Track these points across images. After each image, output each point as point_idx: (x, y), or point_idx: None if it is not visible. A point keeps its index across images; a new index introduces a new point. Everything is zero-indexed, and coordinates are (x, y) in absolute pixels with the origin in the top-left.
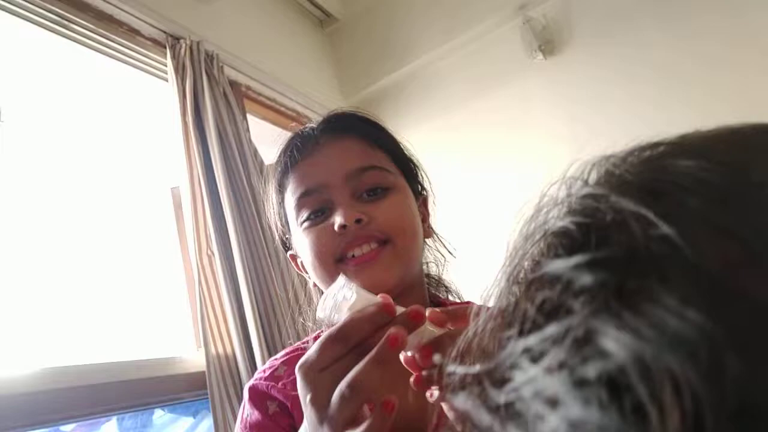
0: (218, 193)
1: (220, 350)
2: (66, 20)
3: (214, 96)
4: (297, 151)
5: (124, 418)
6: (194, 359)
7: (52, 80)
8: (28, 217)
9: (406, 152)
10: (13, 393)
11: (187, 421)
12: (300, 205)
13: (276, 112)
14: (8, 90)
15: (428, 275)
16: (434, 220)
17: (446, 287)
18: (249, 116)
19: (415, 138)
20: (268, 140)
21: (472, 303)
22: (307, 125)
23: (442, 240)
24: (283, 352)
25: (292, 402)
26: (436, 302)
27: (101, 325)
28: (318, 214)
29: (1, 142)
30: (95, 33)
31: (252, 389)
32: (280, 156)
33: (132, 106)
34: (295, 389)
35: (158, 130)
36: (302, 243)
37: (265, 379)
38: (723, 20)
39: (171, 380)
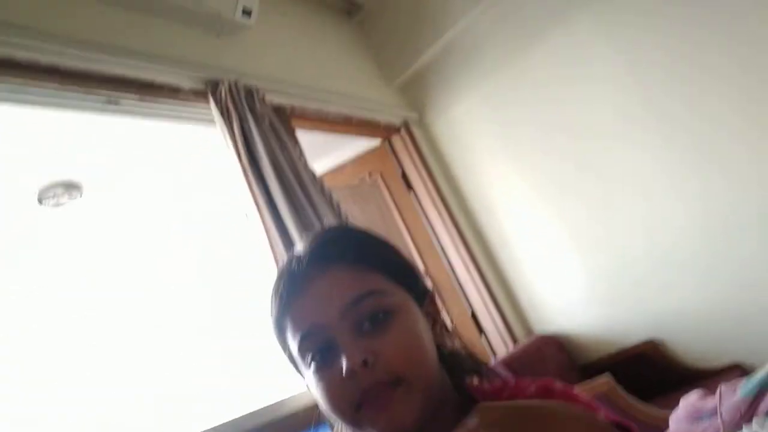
0: (283, 221)
1: None
2: (114, 99)
3: (262, 131)
4: (287, 293)
5: None
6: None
7: (119, 153)
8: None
9: (400, 261)
10: None
11: None
12: (303, 349)
13: (324, 122)
14: (82, 168)
15: (451, 368)
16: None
17: (475, 367)
18: (299, 132)
19: (468, 106)
20: (320, 148)
21: (509, 381)
22: (293, 256)
23: (459, 339)
24: None
25: None
26: (469, 396)
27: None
28: (324, 354)
29: (83, 215)
30: (142, 102)
31: None
32: (272, 297)
33: (194, 153)
34: None
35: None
36: (315, 389)
37: None
38: None
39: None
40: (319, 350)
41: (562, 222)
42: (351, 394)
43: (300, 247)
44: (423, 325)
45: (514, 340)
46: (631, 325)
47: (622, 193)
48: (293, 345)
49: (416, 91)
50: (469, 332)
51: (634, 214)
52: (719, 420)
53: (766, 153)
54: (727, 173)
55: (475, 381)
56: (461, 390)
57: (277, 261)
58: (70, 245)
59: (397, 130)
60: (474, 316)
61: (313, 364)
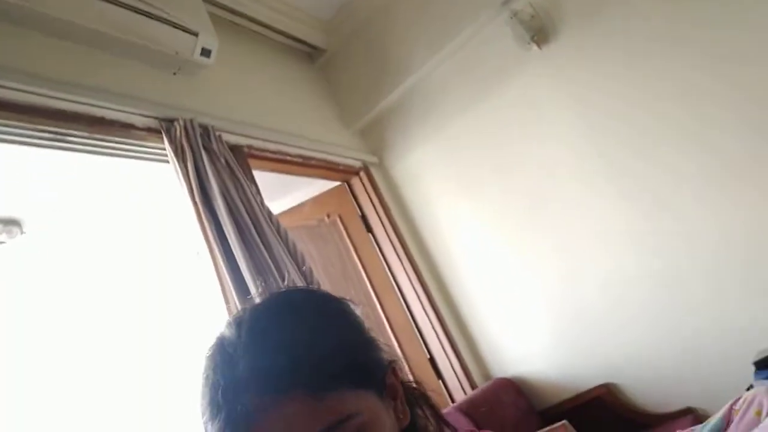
0: (236, 260)
1: None
2: (61, 135)
3: (217, 170)
4: (229, 422)
5: None
6: None
7: (63, 189)
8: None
9: (362, 358)
10: None
11: None
12: None
13: (282, 162)
14: (23, 204)
15: None
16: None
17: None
18: (255, 172)
19: (427, 150)
20: (278, 188)
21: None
22: (227, 385)
23: (423, 409)
24: None
25: None
26: None
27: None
28: None
29: (24, 253)
30: (92, 139)
31: None
32: (206, 405)
33: (143, 191)
34: None
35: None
36: None
37: None
38: None
39: None
40: None
41: (520, 264)
42: None
43: (238, 349)
44: (389, 426)
45: (472, 385)
46: (587, 369)
47: (577, 236)
48: None
49: (376, 135)
50: (426, 376)
51: (590, 258)
52: None
53: (716, 204)
54: (678, 222)
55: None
56: None
57: (228, 302)
58: (9, 285)
59: (357, 172)
60: (431, 360)
61: None
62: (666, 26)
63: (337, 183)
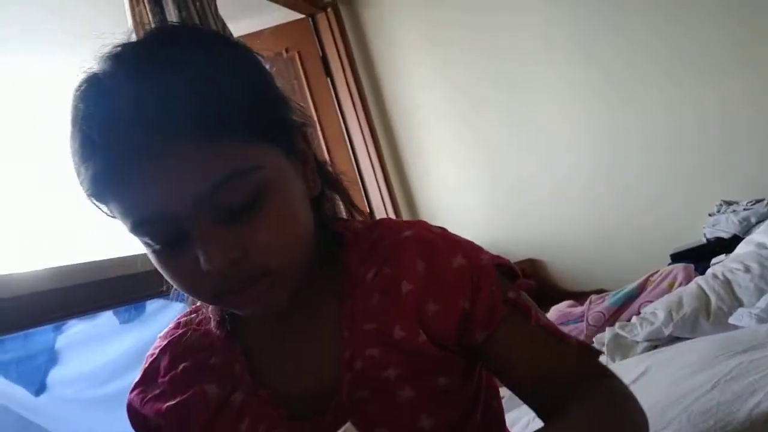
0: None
1: None
2: None
3: None
4: (107, 166)
5: (119, 310)
6: None
7: None
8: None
9: (267, 102)
10: (20, 293)
11: (178, 306)
12: (139, 233)
13: None
14: None
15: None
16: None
17: (347, 201)
18: None
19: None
20: (233, 6)
21: (382, 221)
22: (106, 107)
23: (336, 189)
24: (171, 325)
25: (164, 420)
26: (339, 234)
27: (91, 224)
28: (171, 243)
29: None
30: None
31: (129, 409)
32: (78, 155)
33: None
34: (174, 393)
35: None
36: (154, 262)
37: (140, 383)
38: None
39: (157, 274)
40: (166, 241)
41: (472, 133)
42: (212, 286)
43: (119, 83)
44: (298, 190)
45: None
46: (517, 243)
47: (535, 113)
48: (122, 221)
49: None
50: None
51: (541, 137)
52: (585, 324)
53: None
54: (637, 114)
55: (344, 215)
56: (327, 227)
57: None
58: None
59: (324, 7)
60: (371, 215)
61: (154, 251)
62: None
63: (301, 16)
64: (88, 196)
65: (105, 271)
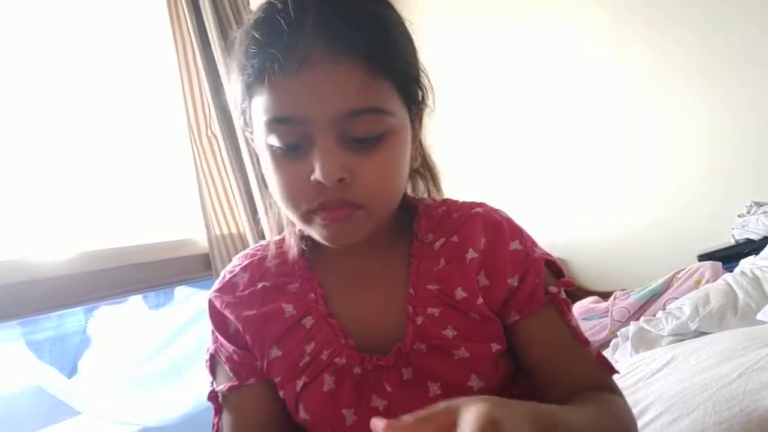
0: (216, 67)
1: (225, 231)
2: None
3: None
4: (277, 61)
5: (148, 296)
6: (203, 241)
7: None
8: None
9: (415, 67)
10: (50, 276)
11: (206, 293)
12: (271, 130)
13: None
14: None
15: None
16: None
17: (433, 181)
18: None
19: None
20: None
21: (448, 200)
22: (292, 10)
23: (429, 172)
24: (248, 251)
25: (243, 324)
26: (412, 207)
27: (121, 210)
28: (294, 146)
29: None
30: None
31: (210, 305)
32: (251, 48)
33: None
34: (251, 305)
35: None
36: (269, 168)
37: (221, 291)
38: None
39: (184, 261)
40: (291, 142)
41: (497, 134)
42: (312, 198)
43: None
44: (407, 149)
45: None
46: (543, 242)
47: (560, 113)
48: (260, 115)
49: None
50: None
51: (566, 135)
52: (609, 319)
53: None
54: (663, 104)
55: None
56: (406, 197)
57: (198, 116)
58: None
59: None
60: None
61: (277, 151)
62: None
63: None
64: (245, 87)
65: (134, 257)
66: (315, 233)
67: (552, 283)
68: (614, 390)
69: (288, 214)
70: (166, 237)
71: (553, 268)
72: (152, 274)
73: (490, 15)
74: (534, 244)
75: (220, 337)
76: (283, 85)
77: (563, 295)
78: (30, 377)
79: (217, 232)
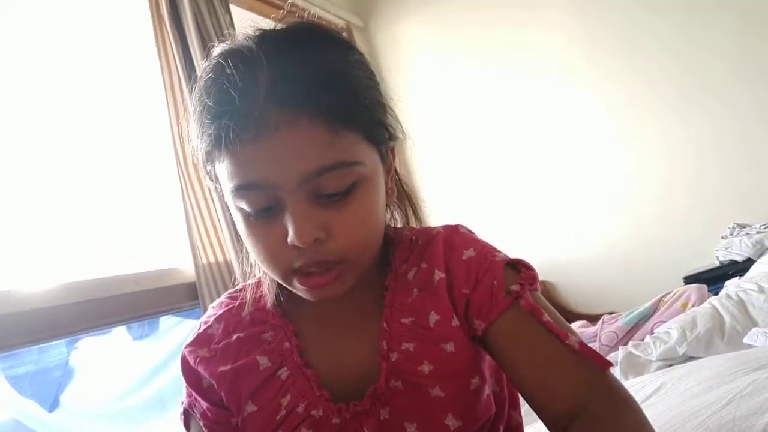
0: None
1: (212, 259)
2: None
3: None
4: (232, 130)
5: (132, 326)
6: (190, 269)
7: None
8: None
9: (381, 110)
10: (32, 308)
11: (191, 323)
12: (239, 196)
13: (262, 1)
14: None
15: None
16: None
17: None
18: (232, 7)
19: (415, 20)
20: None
21: (414, 229)
22: (243, 73)
23: (408, 201)
24: (223, 298)
25: (218, 380)
26: (390, 239)
27: (107, 239)
28: (265, 210)
29: None
30: None
31: (183, 360)
32: (205, 116)
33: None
34: (226, 359)
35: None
36: (243, 231)
37: (195, 344)
38: None
39: (170, 291)
40: (261, 207)
41: (484, 156)
42: (290, 261)
43: (261, 57)
44: (380, 190)
45: None
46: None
47: (548, 136)
48: (225, 182)
49: None
50: None
51: (553, 159)
52: (597, 343)
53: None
54: (647, 128)
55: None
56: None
57: (184, 145)
58: None
59: (338, 32)
60: None
61: (249, 215)
62: None
63: None
64: (204, 153)
65: (118, 287)
66: (297, 292)
67: (513, 282)
68: (613, 399)
69: (267, 272)
70: (152, 266)
71: (520, 269)
72: (138, 304)
73: (475, 53)
74: (493, 249)
75: (193, 393)
76: (244, 154)
77: (529, 292)
78: (8, 411)
79: (204, 261)
